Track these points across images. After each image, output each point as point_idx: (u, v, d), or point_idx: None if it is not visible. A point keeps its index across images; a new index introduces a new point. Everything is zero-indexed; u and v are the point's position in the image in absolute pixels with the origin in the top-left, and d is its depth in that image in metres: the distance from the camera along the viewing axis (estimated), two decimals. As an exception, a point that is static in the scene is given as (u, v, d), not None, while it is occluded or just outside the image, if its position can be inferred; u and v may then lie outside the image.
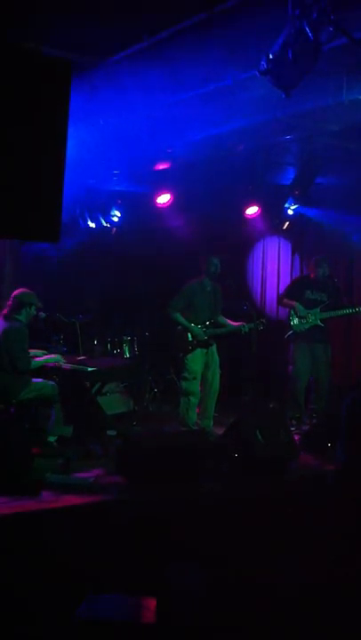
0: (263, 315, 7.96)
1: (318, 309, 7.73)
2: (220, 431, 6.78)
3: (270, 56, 4.30)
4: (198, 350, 7.29)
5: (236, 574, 4.34)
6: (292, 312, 7.80)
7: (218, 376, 7.44)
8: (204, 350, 7.33)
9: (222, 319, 7.51)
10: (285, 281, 9.34)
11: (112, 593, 4.05)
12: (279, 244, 9.71)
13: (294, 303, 7.79)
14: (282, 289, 8.94)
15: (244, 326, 7.49)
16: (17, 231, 4.09)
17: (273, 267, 9.86)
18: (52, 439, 6.55)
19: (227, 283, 7.76)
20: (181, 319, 7.27)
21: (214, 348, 7.43)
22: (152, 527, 4.79)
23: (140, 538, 4.71)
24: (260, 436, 5.99)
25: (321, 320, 7.72)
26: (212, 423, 7.39)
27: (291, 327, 7.80)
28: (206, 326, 7.34)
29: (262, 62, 4.36)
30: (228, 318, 7.59)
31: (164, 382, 8.91)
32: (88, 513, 5.13)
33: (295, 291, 7.93)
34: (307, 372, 7.79)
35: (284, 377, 8.03)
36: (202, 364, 7.33)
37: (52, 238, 4.37)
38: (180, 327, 7.32)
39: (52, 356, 6.82)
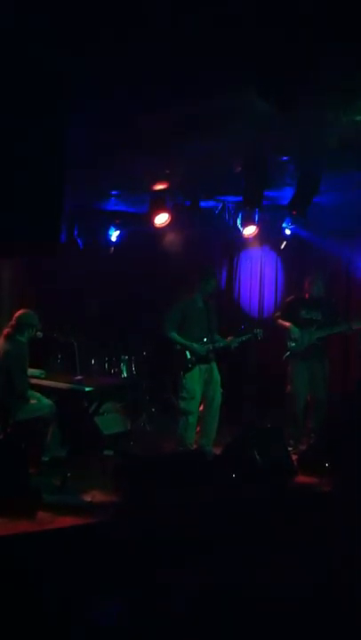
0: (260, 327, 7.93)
1: (313, 328, 7.74)
2: (218, 450, 6.76)
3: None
4: (196, 369, 7.26)
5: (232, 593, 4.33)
6: (288, 334, 7.81)
7: (219, 394, 7.38)
8: (203, 368, 7.30)
9: (218, 337, 7.48)
10: (283, 298, 9.40)
11: (108, 615, 4.03)
12: (276, 261, 9.74)
13: (288, 325, 7.79)
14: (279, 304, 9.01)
15: (233, 341, 7.47)
16: (18, 247, 4.14)
17: (270, 284, 9.88)
18: (45, 459, 6.53)
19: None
20: (178, 338, 7.25)
21: (214, 365, 7.40)
22: (149, 547, 4.76)
23: (138, 558, 4.69)
24: (257, 456, 5.98)
25: (317, 338, 7.73)
26: (211, 442, 7.33)
27: (288, 349, 7.80)
28: (204, 342, 7.32)
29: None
30: (226, 337, 7.57)
31: (162, 402, 8.88)
32: (85, 534, 5.11)
33: (290, 311, 7.92)
34: (305, 391, 7.78)
35: (283, 396, 8.00)
36: (201, 383, 7.29)
37: (51, 252, 4.43)
38: (178, 346, 7.30)
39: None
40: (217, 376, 7.40)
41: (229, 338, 7.47)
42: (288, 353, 7.80)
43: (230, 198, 8.31)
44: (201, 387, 7.30)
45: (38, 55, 4.00)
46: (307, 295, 7.93)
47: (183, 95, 4.79)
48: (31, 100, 4.07)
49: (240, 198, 7.77)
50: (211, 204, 8.48)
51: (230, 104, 4.98)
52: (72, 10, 3.59)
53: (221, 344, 7.42)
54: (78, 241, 9.04)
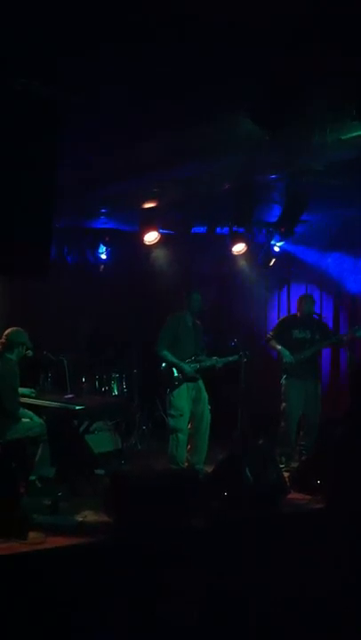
0: (251, 347, 7.94)
1: (306, 347, 7.77)
2: (209, 468, 6.73)
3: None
4: (184, 386, 7.24)
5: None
6: (280, 357, 7.84)
7: (208, 412, 7.37)
8: (191, 386, 7.29)
9: (204, 356, 7.48)
10: (272, 315, 9.43)
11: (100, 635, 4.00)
12: (266, 278, 9.78)
13: (280, 348, 7.81)
14: (269, 321, 9.03)
15: (219, 361, 7.48)
16: (7, 269, 4.14)
17: (260, 300, 9.92)
18: (32, 478, 6.48)
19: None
20: (171, 357, 7.23)
21: (201, 383, 7.39)
22: (141, 567, 4.73)
23: (129, 578, 4.65)
24: (249, 474, 5.95)
25: (311, 356, 7.76)
26: (202, 460, 7.31)
27: (284, 371, 7.83)
28: (192, 361, 7.32)
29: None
30: (216, 355, 7.57)
31: (153, 420, 8.86)
32: (76, 554, 5.07)
33: (283, 331, 7.96)
34: (299, 409, 7.79)
35: (275, 413, 8.00)
36: (189, 401, 7.28)
37: (41, 274, 4.43)
38: (164, 364, 7.29)
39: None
40: (205, 394, 7.39)
41: (215, 357, 7.47)
42: (285, 376, 7.82)
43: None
44: (189, 404, 7.28)
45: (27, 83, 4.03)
46: (299, 314, 7.97)
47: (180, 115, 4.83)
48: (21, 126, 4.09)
49: (230, 218, 7.82)
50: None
51: (221, 127, 5.02)
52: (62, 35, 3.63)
53: (207, 363, 7.42)
54: (68, 259, 9.05)
